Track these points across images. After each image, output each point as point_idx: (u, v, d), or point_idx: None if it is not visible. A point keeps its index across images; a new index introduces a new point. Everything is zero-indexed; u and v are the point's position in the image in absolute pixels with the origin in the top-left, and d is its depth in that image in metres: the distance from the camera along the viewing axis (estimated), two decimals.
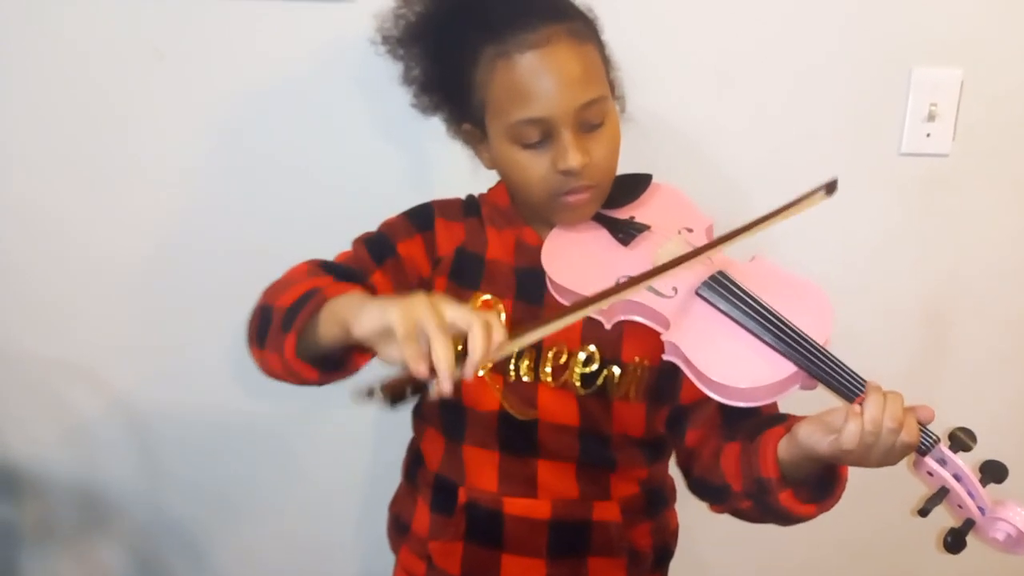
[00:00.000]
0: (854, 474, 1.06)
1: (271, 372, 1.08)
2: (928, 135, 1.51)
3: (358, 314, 0.91)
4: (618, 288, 1.05)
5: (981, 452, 1.02)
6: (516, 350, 0.97)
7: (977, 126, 1.50)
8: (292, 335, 0.98)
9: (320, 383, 1.05)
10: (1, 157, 1.50)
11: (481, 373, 1.18)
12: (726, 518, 1.19)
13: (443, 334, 0.85)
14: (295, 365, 1.00)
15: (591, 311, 1.04)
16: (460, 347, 0.87)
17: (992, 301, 1.59)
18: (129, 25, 1.43)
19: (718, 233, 1.20)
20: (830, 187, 1.17)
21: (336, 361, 1.03)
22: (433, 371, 0.85)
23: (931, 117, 1.49)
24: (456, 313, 0.87)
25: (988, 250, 1.57)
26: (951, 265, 1.57)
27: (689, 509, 1.33)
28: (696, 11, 1.45)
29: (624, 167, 1.27)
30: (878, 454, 0.96)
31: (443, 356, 0.84)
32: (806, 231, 1.49)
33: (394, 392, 0.86)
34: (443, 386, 0.85)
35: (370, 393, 0.85)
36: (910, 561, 1.65)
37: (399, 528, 1.35)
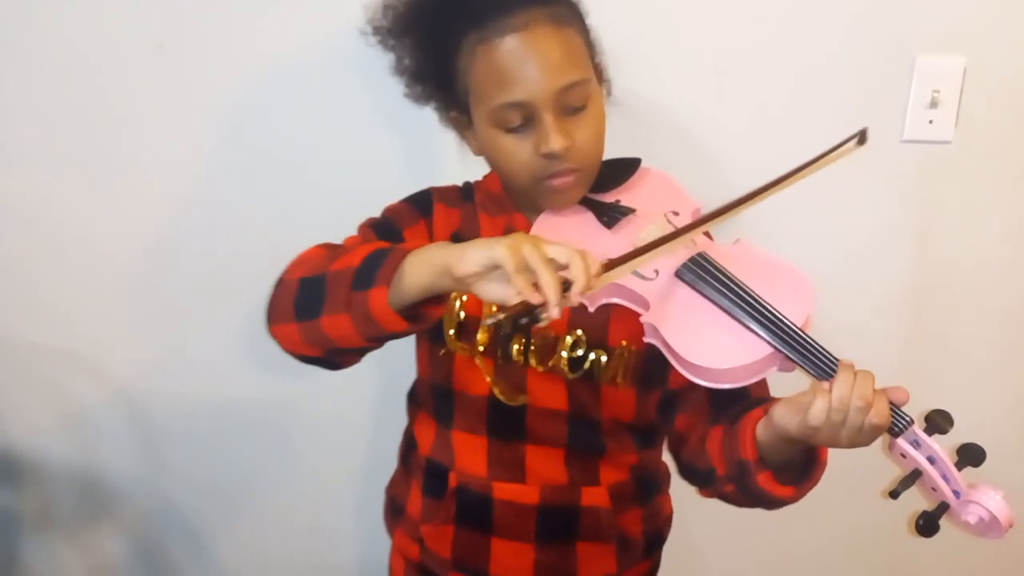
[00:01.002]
0: (846, 457, 1.05)
1: (326, 340, 1.07)
2: (930, 122, 1.49)
3: (461, 254, 0.93)
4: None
5: (981, 444, 1.00)
6: (612, 281, 1.04)
7: (979, 113, 1.48)
8: (382, 288, 0.99)
9: (401, 335, 1.05)
10: (2, 151, 1.51)
11: (480, 350, 1.21)
12: (719, 504, 1.19)
13: (550, 266, 0.90)
14: (384, 317, 0.99)
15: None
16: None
17: (993, 289, 1.57)
18: (127, 21, 1.44)
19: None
20: (861, 136, 1.17)
21: (414, 314, 1.03)
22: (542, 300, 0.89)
23: (934, 104, 1.48)
24: (556, 248, 0.92)
25: (989, 238, 1.55)
26: (952, 253, 1.56)
27: (681, 495, 1.32)
28: None
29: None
30: (848, 433, 0.96)
31: (552, 285, 0.88)
32: (806, 217, 1.49)
33: (513, 318, 0.90)
34: (552, 312, 0.89)
35: (493, 321, 0.89)
36: (904, 547, 1.64)
37: (395, 511, 1.37)
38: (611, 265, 0.99)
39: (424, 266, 0.97)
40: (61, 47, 1.46)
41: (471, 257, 0.92)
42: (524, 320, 0.90)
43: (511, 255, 0.89)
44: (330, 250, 1.14)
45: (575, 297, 0.91)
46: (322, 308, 1.05)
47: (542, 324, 0.90)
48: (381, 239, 1.22)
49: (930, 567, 1.71)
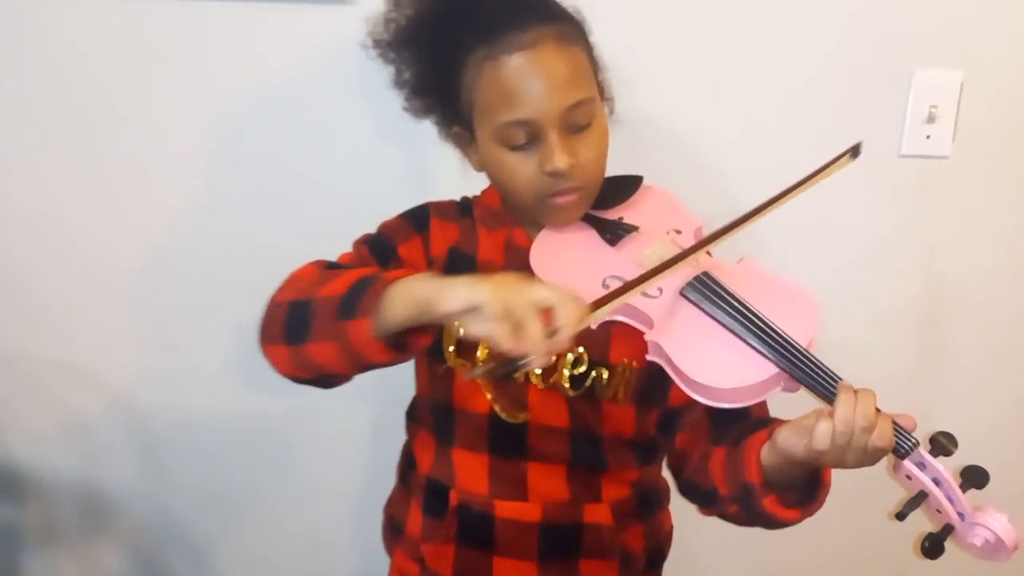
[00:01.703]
0: (850, 477, 1.05)
1: (314, 366, 1.07)
2: (928, 137, 1.50)
3: (443, 292, 0.91)
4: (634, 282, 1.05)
5: (979, 457, 1.01)
6: (597, 323, 1.02)
7: (977, 128, 1.49)
8: (365, 319, 0.97)
9: (387, 364, 1.03)
10: (1, 157, 1.51)
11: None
12: (721, 521, 1.19)
13: (534, 313, 0.88)
14: (368, 348, 0.99)
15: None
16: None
17: (991, 304, 1.58)
18: (129, 26, 1.44)
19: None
20: (855, 151, 1.16)
21: (398, 343, 1.02)
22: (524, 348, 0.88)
23: (931, 119, 1.49)
24: (543, 291, 0.90)
25: (987, 252, 1.56)
26: (950, 267, 1.56)
27: (682, 511, 1.32)
28: (693, 10, 1.45)
29: (620, 172, 1.27)
30: (853, 455, 0.96)
31: (536, 336, 0.87)
32: (805, 232, 1.49)
33: (494, 370, 0.91)
34: (536, 362, 0.88)
35: (480, 372, 0.92)
36: (904, 565, 1.64)
37: (393, 529, 1.36)
38: (600, 303, 0.98)
39: (406, 299, 0.96)
40: (61, 48, 1.46)
41: (453, 297, 0.90)
42: (508, 369, 0.90)
43: (493, 300, 0.87)
44: (322, 270, 1.13)
45: (561, 344, 0.89)
46: (309, 334, 1.04)
47: (524, 371, 0.88)
48: (375, 255, 1.22)
49: None
